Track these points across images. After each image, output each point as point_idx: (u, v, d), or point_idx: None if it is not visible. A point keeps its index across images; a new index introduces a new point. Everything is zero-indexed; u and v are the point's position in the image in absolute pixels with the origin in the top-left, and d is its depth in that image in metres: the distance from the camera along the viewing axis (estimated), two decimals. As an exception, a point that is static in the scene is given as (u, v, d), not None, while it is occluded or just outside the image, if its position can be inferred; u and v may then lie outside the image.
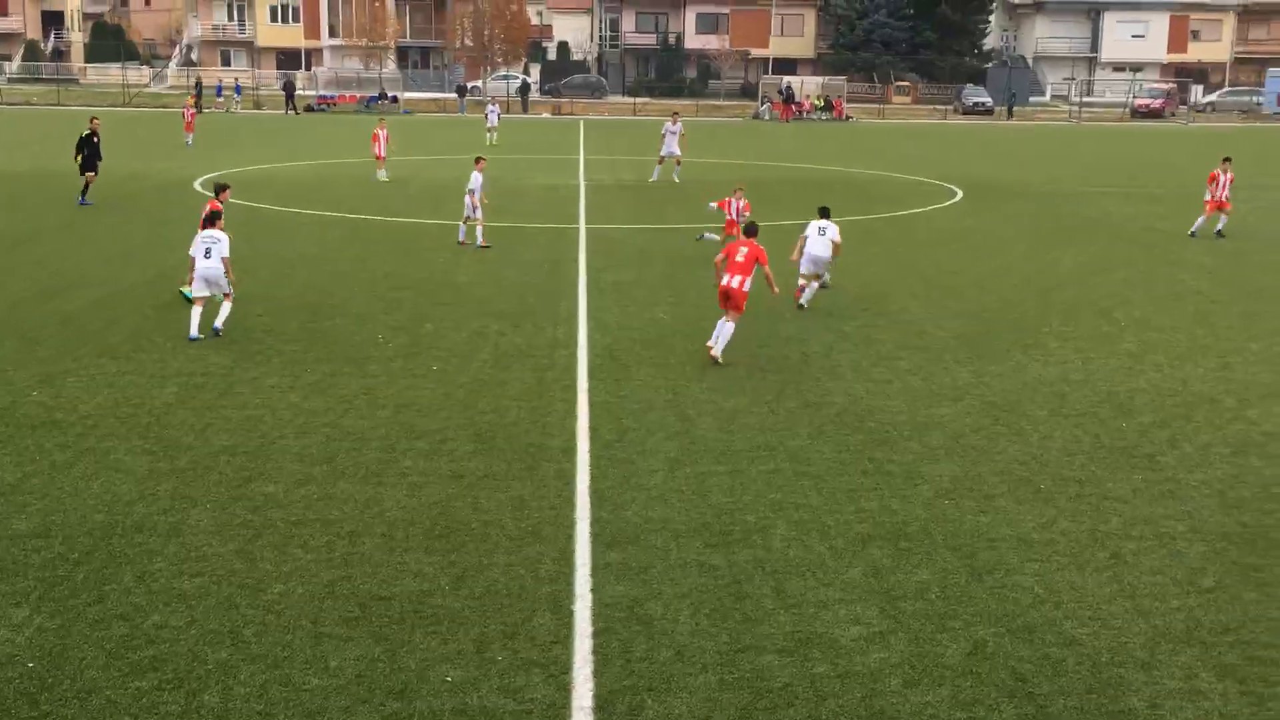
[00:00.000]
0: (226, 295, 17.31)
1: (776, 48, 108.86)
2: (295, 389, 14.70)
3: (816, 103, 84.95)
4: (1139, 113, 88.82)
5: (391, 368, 15.76)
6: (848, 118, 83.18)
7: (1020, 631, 8.83)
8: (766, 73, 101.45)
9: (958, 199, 36.07)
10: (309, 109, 79.74)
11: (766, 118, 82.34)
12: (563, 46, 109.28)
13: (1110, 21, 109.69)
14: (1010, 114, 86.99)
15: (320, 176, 39.42)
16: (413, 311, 19.10)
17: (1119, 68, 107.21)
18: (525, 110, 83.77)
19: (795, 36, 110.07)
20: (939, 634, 8.77)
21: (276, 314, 18.62)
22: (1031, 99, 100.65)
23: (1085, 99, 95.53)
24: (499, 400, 14.39)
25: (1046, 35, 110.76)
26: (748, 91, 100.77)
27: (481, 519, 10.74)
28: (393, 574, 9.58)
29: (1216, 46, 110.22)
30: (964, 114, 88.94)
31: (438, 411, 13.90)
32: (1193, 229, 29.41)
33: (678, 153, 38.77)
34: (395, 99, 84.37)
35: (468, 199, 25.44)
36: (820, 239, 19.74)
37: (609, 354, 16.70)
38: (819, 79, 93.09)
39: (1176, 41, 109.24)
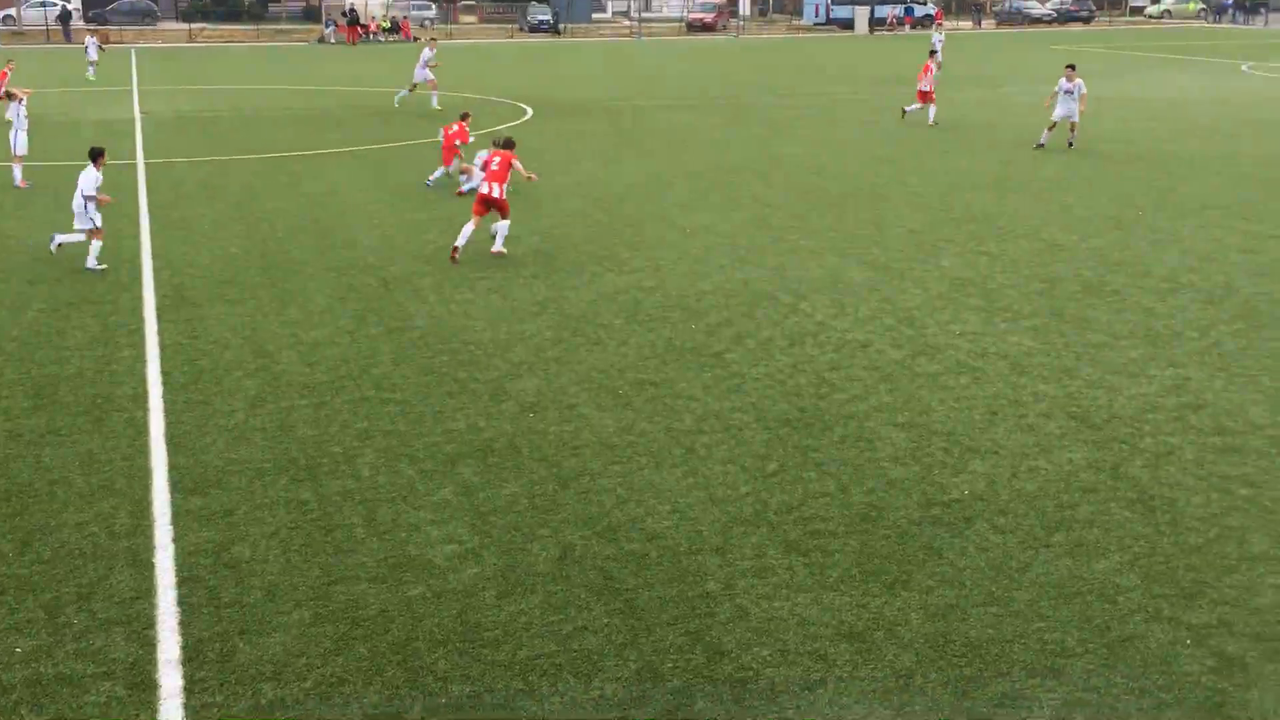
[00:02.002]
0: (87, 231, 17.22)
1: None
2: None
3: (383, 24, 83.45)
4: (694, 26, 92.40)
5: (-69, 326, 14.45)
6: (415, 39, 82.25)
7: (606, 532, 9.20)
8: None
9: (528, 117, 36.50)
10: None
11: (332, 40, 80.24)
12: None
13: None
14: (558, 31, 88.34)
15: None
16: (-48, 263, 17.54)
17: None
18: (68, 39, 77.84)
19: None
20: (529, 544, 9.01)
21: None
22: (595, 16, 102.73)
23: (644, 15, 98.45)
24: (58, 351, 13.49)
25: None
26: (310, 15, 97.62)
27: (46, 478, 10.09)
28: (-53, 547, 8.87)
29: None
30: (530, 32, 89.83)
31: (-12, 369, 12.89)
32: (932, 119, 33.04)
33: (431, 77, 37.73)
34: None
35: (11, 136, 23.64)
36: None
37: (178, 293, 15.96)
38: (384, 0, 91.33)
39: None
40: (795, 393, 12.31)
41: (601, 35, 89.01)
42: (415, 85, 38.08)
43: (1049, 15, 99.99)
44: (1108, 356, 13.32)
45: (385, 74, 52.42)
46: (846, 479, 10.16)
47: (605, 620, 7.96)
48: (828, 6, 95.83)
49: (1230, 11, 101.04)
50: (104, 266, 17.18)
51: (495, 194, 17.47)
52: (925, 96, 33.34)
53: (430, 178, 23.76)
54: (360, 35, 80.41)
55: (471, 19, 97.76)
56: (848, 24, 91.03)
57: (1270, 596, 8.19)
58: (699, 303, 15.68)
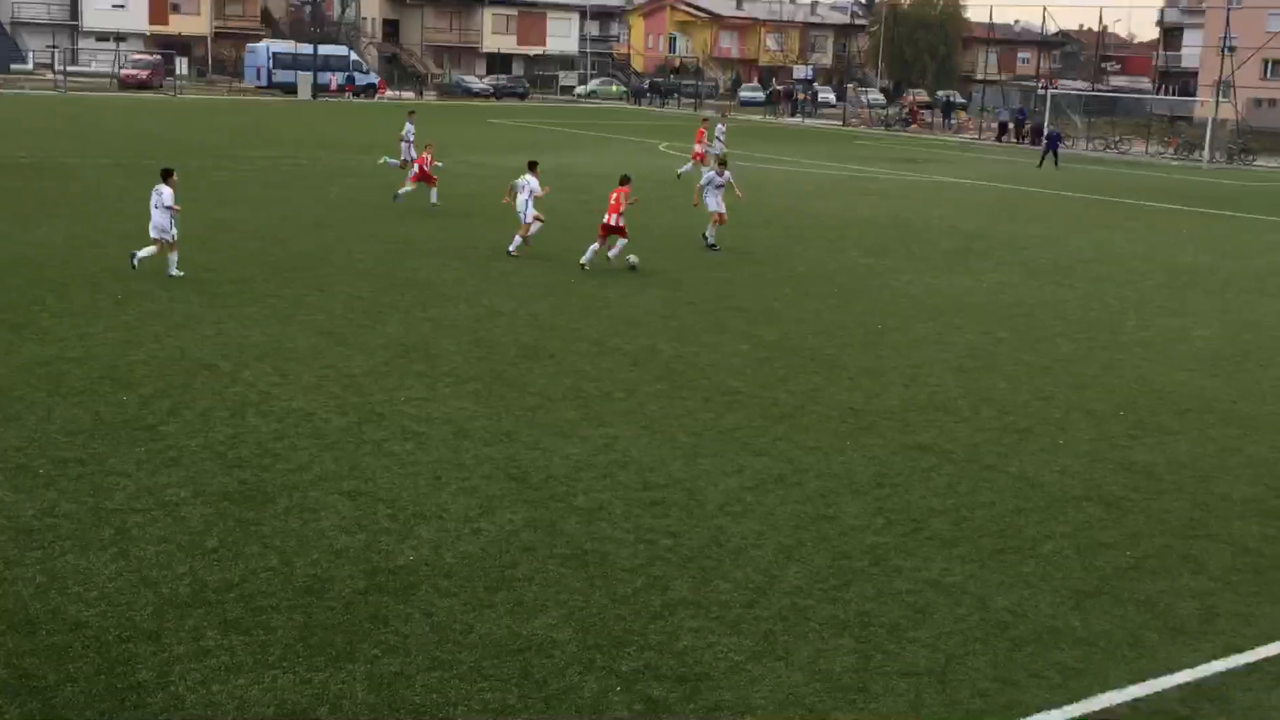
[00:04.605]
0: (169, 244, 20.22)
1: None
2: None
3: None
4: (127, 83, 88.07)
5: None
6: None
7: (23, 625, 8.45)
8: None
9: (-66, 172, 33.28)
10: None
11: None
12: None
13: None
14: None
15: None
16: None
17: (103, 37, 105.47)
18: None
19: None
20: (-70, 645, 8.10)
21: None
22: (13, 66, 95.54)
23: (71, 68, 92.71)
24: None
25: (23, 0, 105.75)
26: None
27: None
28: None
29: (197, 20, 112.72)
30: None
31: None
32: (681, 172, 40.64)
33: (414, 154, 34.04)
34: None
35: None
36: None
37: None
38: None
39: (158, 14, 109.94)
40: (237, 464, 11.91)
41: (20, 87, 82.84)
42: (404, 161, 35.35)
43: (487, 90, 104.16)
44: (544, 418, 13.92)
45: None
46: (290, 551, 9.93)
47: (21, 723, 7.29)
48: (269, 70, 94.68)
49: (647, 95, 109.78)
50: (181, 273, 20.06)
51: (613, 222, 22.87)
52: (699, 157, 39.57)
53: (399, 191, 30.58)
54: None
55: None
56: (291, 89, 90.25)
57: (689, 640, 8.82)
58: (131, 373, 14.85)
